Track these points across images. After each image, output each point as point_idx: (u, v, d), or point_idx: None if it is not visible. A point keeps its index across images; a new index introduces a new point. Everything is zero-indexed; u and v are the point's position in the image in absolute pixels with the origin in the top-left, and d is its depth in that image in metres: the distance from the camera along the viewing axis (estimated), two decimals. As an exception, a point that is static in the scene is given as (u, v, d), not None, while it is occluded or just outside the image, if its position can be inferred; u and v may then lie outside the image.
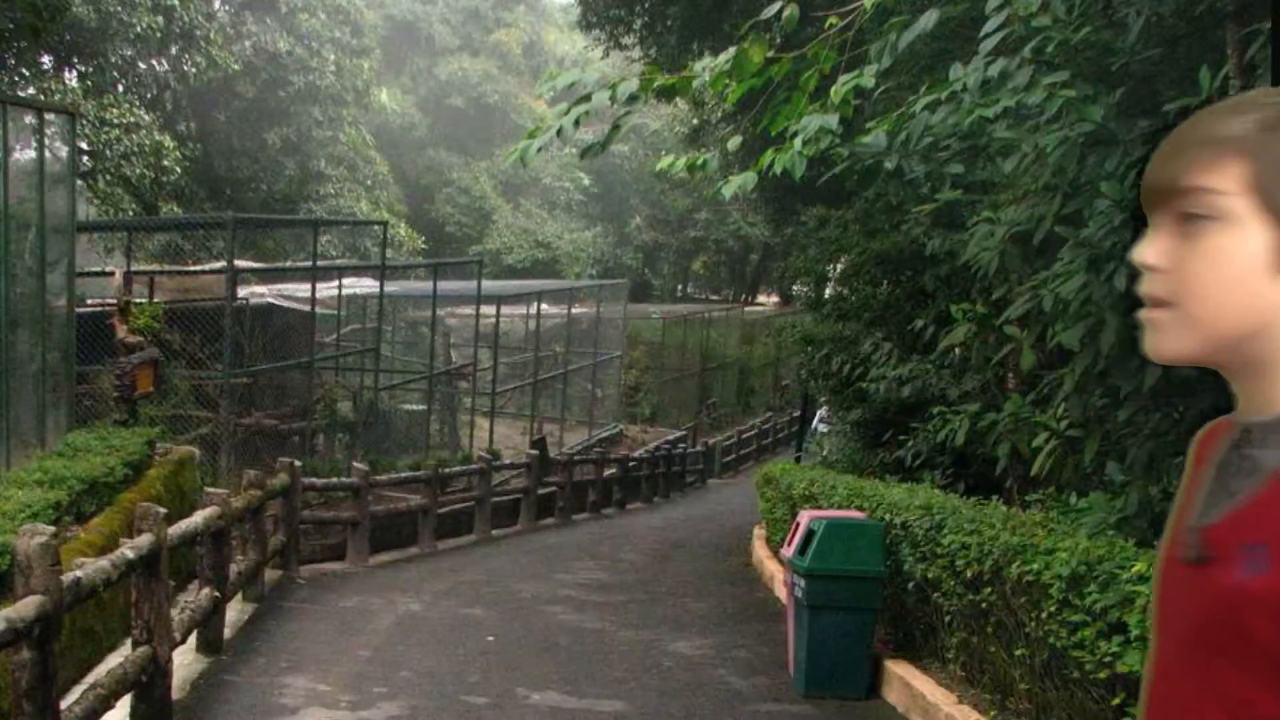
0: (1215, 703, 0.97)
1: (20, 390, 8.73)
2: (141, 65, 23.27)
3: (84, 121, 17.26)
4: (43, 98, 16.23)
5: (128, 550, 5.33)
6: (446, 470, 13.68)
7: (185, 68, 22.96)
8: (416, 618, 8.68)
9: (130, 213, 19.08)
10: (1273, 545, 0.92)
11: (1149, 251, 1.05)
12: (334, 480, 11.66)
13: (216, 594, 7.01)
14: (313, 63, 26.65)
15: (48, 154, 9.32)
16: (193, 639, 6.82)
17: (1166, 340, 1.05)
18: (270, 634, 7.80)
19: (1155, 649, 1.07)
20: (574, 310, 25.00)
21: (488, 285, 19.91)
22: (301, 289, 16.17)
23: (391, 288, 18.56)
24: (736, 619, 9.35)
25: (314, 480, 11.12)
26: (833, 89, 5.35)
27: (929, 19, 5.23)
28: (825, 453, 13.50)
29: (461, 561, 12.02)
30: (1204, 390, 6.35)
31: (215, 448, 12.13)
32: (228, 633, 7.39)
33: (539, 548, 13.56)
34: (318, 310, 15.46)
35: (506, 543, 13.88)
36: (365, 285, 19.24)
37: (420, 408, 18.05)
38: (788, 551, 7.05)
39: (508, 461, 16.28)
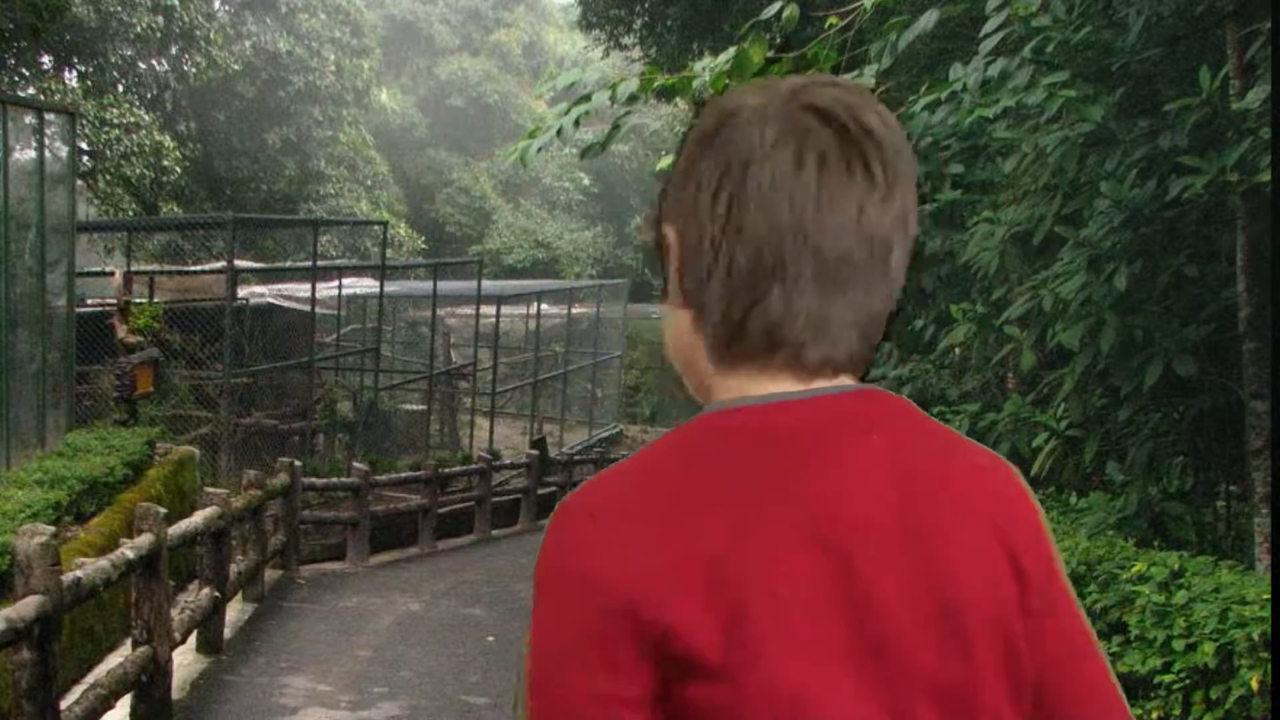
0: None
1: (20, 390, 8.72)
2: (141, 65, 23.26)
3: (84, 121, 17.26)
4: (43, 98, 16.23)
5: (128, 550, 5.34)
6: (446, 470, 13.67)
7: (185, 68, 22.95)
8: (416, 618, 8.68)
9: (130, 213, 19.07)
10: None
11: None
12: (334, 480, 11.65)
13: (216, 594, 7.01)
14: (313, 63, 26.63)
15: (48, 154, 9.31)
16: (193, 639, 6.83)
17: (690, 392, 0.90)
18: (270, 634, 7.80)
19: None
20: (574, 310, 24.96)
21: (488, 285, 19.90)
22: (301, 289, 16.17)
23: (391, 288, 18.56)
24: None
25: (314, 480, 11.11)
26: (833, 89, 5.35)
27: (929, 19, 5.23)
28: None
29: (461, 561, 12.01)
30: (1204, 390, 6.36)
31: (215, 448, 12.12)
32: (228, 633, 7.39)
33: (539, 547, 13.55)
34: (318, 310, 15.45)
35: (506, 543, 13.86)
36: (365, 285, 19.23)
37: (420, 408, 18.03)
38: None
39: (508, 461, 16.27)
